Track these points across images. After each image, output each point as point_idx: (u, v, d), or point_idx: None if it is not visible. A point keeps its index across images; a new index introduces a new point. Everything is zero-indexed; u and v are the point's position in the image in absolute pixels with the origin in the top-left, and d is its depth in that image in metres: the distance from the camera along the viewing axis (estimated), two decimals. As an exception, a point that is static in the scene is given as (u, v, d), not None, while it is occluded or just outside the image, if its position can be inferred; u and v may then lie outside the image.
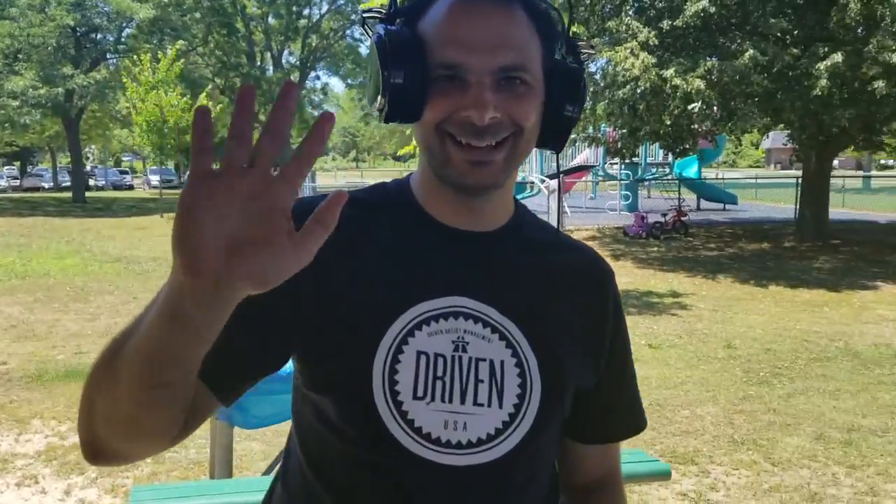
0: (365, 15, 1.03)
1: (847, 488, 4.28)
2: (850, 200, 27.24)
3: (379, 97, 0.96)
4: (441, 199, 1.04)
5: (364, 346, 0.97)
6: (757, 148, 72.10)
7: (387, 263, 1.01)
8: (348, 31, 40.59)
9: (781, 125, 15.55)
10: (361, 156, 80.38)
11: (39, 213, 26.30)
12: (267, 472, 3.57)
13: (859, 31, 12.82)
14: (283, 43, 39.77)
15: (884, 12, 11.72)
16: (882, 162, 55.47)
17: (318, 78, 46.67)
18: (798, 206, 17.87)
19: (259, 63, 40.36)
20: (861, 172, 41.91)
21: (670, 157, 23.14)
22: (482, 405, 0.97)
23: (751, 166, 74.32)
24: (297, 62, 41.25)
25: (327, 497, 1.01)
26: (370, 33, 1.00)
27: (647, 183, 27.60)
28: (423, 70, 0.95)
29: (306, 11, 40.33)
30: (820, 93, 12.09)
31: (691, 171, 25.25)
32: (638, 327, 8.81)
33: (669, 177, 25.11)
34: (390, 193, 1.09)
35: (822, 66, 11.98)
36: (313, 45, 40.80)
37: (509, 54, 0.95)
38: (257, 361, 0.99)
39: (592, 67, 16.68)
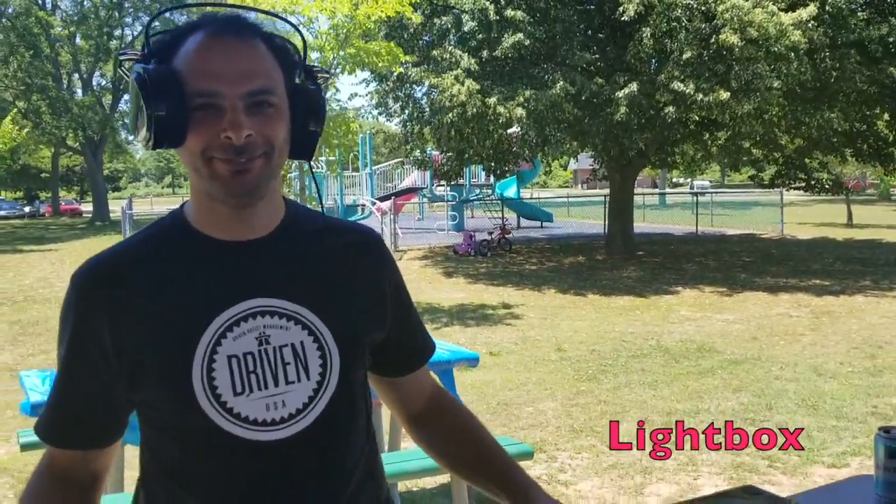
0: (121, 58, 1.15)
1: (671, 461, 4.97)
2: (650, 216, 29.94)
3: (144, 129, 1.09)
4: (214, 218, 1.17)
5: (180, 367, 1.11)
6: (565, 169, 76.94)
7: (180, 290, 1.14)
8: (164, 53, 39.07)
9: (588, 149, 16.98)
10: (178, 181, 77.14)
11: None
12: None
13: (652, 63, 14.40)
14: (94, 64, 37.58)
15: (672, 47, 13.25)
16: (674, 180, 61.12)
17: (127, 102, 44.52)
18: (607, 223, 19.47)
19: (67, 85, 37.88)
20: (657, 190, 46.00)
21: (492, 179, 24.34)
22: (293, 382, 1.15)
23: (560, 186, 79.13)
24: (110, 84, 39.12)
25: (185, 494, 1.17)
26: (127, 74, 1.13)
27: (471, 203, 28.82)
28: (182, 101, 1.07)
29: (118, 32, 38.44)
30: (620, 119, 13.44)
31: (511, 192, 26.69)
32: (478, 337, 9.41)
33: (492, 197, 26.42)
34: (165, 227, 1.21)
35: (621, 94, 13.33)
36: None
37: (256, 81, 1.09)
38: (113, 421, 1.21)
39: (418, 93, 17.43)
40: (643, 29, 13.34)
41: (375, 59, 9.86)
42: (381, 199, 22.51)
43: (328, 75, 1.26)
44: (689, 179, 56.21)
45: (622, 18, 13.38)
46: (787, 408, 6.10)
